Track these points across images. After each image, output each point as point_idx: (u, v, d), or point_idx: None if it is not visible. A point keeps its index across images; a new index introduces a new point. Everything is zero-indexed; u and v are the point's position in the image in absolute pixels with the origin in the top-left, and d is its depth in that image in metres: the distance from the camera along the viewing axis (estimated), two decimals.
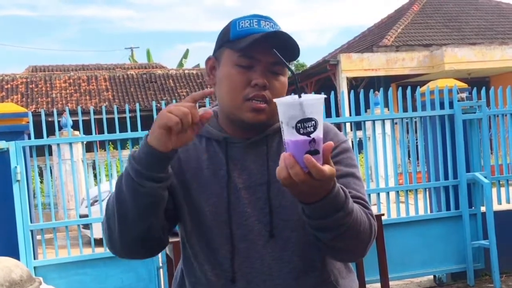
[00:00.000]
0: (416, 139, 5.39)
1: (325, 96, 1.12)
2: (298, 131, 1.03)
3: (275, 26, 1.31)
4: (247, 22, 1.29)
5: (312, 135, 1.04)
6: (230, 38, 1.30)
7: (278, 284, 1.31)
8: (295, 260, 1.30)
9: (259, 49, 1.27)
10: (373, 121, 5.01)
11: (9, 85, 17.93)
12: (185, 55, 27.63)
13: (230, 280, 1.31)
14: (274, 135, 1.36)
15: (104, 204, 4.85)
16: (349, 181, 1.31)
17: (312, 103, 1.05)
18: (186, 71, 20.16)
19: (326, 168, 1.05)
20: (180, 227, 1.40)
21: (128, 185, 1.20)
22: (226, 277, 1.32)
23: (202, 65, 18.81)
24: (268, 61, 1.29)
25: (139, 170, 1.17)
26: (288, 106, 1.05)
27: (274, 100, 1.08)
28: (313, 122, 1.04)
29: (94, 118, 4.60)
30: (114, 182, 5.57)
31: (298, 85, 1.14)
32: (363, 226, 1.21)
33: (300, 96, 1.06)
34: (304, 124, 1.03)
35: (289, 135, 1.05)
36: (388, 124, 5.56)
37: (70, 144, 4.65)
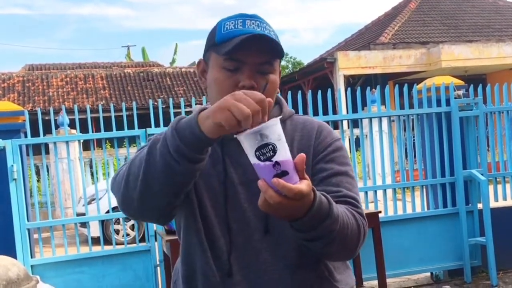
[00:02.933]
0: (413, 137, 5.39)
1: (280, 117, 1.12)
2: (258, 158, 1.05)
3: (262, 24, 1.29)
4: (232, 23, 1.28)
5: (274, 159, 1.04)
6: (215, 42, 1.30)
7: (273, 279, 1.31)
8: (291, 255, 1.31)
9: (244, 51, 1.26)
10: (370, 118, 5.00)
11: (5, 84, 17.88)
12: (175, 51, 27.38)
13: (226, 273, 1.32)
14: None
15: (101, 203, 4.86)
16: (342, 179, 1.32)
17: (267, 126, 1.05)
18: (183, 69, 20.12)
19: (302, 185, 1.05)
20: (178, 219, 1.40)
21: (164, 158, 1.14)
22: (223, 271, 1.33)
23: None
24: (254, 62, 1.28)
25: (181, 148, 1.12)
26: (246, 138, 1.06)
27: (235, 136, 1.07)
28: (270, 146, 1.04)
29: (91, 117, 4.59)
30: (111, 180, 5.56)
31: None
32: (351, 228, 1.22)
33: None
34: (261, 151, 1.04)
35: (255, 164, 1.06)
36: (385, 121, 5.57)
37: (67, 142, 4.64)
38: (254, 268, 1.32)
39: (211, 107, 1.10)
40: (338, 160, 1.34)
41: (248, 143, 1.06)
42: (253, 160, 1.06)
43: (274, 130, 1.05)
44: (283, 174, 1.04)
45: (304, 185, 1.06)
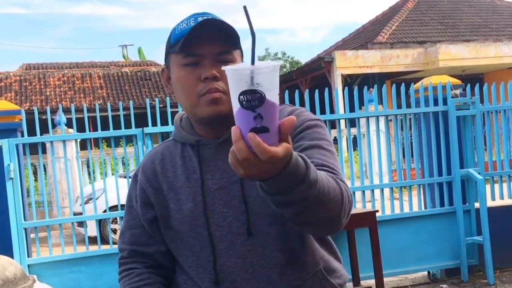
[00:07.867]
0: (410, 136, 5.40)
1: (281, 63, 1.00)
2: (241, 103, 0.90)
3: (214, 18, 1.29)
4: (185, 23, 1.29)
5: (258, 110, 0.89)
6: (171, 43, 1.32)
7: (262, 281, 1.29)
8: (277, 255, 1.29)
9: (198, 43, 1.27)
10: (367, 118, 5.01)
11: (2, 83, 17.84)
12: None
13: (213, 282, 1.30)
14: None
15: (98, 202, 4.85)
16: (313, 152, 1.22)
17: (261, 72, 0.90)
18: None
19: (280, 148, 0.92)
20: None
21: None
22: (209, 280, 1.31)
23: None
24: (212, 53, 1.28)
25: None
26: (234, 74, 0.92)
27: (222, 68, 0.96)
28: (258, 95, 0.89)
29: (88, 116, 4.58)
30: (108, 180, 5.53)
31: (255, 51, 0.98)
32: (333, 194, 1.10)
33: (253, 63, 0.92)
34: (247, 97, 0.90)
35: (235, 107, 0.92)
36: (382, 121, 5.57)
37: (64, 141, 4.63)
38: (241, 273, 1.29)
39: None
40: (308, 137, 1.26)
41: (233, 81, 0.91)
42: (235, 102, 0.91)
43: (269, 77, 0.91)
44: (263, 130, 0.90)
45: (281, 148, 0.92)
